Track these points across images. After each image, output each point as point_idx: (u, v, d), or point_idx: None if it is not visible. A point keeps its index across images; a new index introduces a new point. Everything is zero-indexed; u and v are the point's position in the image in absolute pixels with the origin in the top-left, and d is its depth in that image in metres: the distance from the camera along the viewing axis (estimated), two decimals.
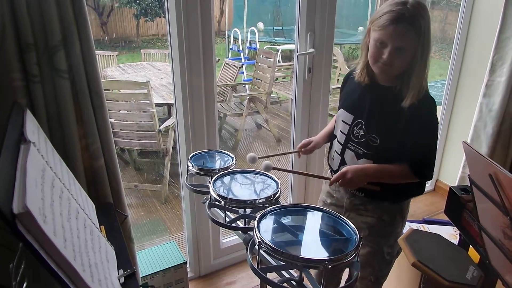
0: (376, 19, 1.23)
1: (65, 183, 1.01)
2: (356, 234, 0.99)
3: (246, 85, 5.58)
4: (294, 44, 2.23)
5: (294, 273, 1.00)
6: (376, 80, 1.34)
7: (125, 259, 1.10)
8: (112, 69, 4.81)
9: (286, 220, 1.08)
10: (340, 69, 4.84)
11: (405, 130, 1.26)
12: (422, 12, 1.18)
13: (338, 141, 1.44)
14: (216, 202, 1.18)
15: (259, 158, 1.26)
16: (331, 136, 1.52)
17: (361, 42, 1.34)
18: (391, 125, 1.29)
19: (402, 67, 1.24)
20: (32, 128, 1.03)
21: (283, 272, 1.01)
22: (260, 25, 8.15)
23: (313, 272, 1.06)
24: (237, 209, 1.21)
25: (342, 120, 1.41)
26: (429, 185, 3.18)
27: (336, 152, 1.45)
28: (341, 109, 1.43)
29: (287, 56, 7.62)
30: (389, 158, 1.30)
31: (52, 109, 1.34)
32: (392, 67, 1.24)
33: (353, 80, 1.41)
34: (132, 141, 3.17)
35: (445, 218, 1.66)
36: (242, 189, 1.27)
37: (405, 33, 1.18)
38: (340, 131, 1.42)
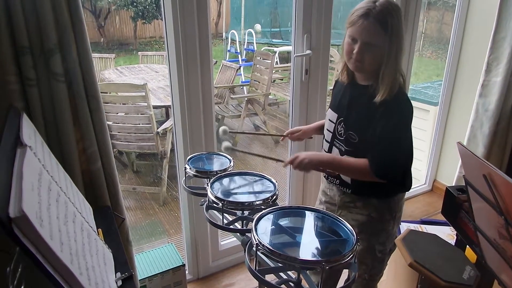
0: (349, 17, 1.28)
1: (62, 186, 1.01)
2: (353, 235, 1.00)
3: (244, 87, 5.58)
4: (291, 45, 2.23)
5: (292, 274, 1.00)
6: (355, 79, 1.38)
7: (123, 262, 1.10)
8: (110, 72, 4.81)
9: (283, 222, 1.08)
10: (337, 70, 4.83)
11: (376, 128, 1.28)
12: (391, 10, 1.22)
13: (325, 139, 1.48)
14: (214, 204, 1.19)
15: (230, 132, 1.30)
16: (320, 130, 1.57)
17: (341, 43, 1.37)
18: (366, 123, 1.31)
19: (373, 64, 1.27)
20: (29, 131, 1.03)
21: (281, 274, 1.02)
22: (258, 26, 8.16)
23: (311, 273, 1.06)
24: (234, 211, 1.21)
25: (329, 119, 1.45)
26: (426, 185, 3.19)
27: (324, 150, 1.49)
28: (329, 109, 1.47)
29: (285, 57, 7.63)
30: (367, 154, 1.31)
31: (49, 113, 1.34)
32: (363, 63, 1.27)
33: (339, 81, 1.47)
34: (130, 143, 3.17)
35: (442, 218, 1.67)
36: (240, 191, 1.27)
37: (371, 29, 1.22)
38: (327, 129, 1.46)
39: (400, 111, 1.28)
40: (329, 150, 1.45)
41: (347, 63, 1.34)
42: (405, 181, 1.39)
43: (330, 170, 1.40)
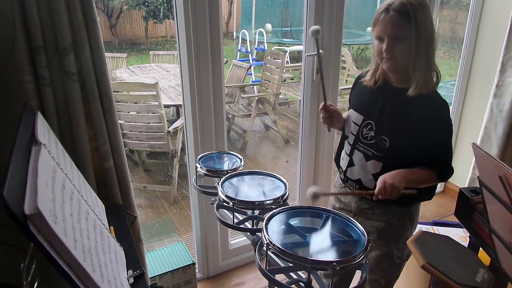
0: (372, 19, 1.26)
1: (75, 184, 1.02)
2: (364, 236, 0.99)
3: (254, 86, 5.58)
4: (302, 45, 2.23)
5: (302, 274, 1.00)
6: (389, 81, 1.34)
7: (134, 260, 1.11)
8: (122, 71, 4.85)
9: (294, 222, 1.07)
10: (348, 70, 4.82)
11: (418, 134, 1.25)
12: (412, 2, 1.19)
13: (348, 141, 1.43)
14: (225, 203, 1.19)
15: (322, 195, 1.24)
16: (342, 125, 1.47)
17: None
18: (401, 128, 1.28)
19: (405, 58, 1.23)
20: (43, 130, 1.04)
21: (291, 274, 1.01)
22: (268, 26, 8.16)
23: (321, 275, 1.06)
24: (245, 210, 1.21)
25: (352, 121, 1.40)
26: (438, 187, 3.14)
27: (346, 152, 1.44)
28: (351, 110, 1.42)
29: (295, 57, 7.61)
30: (398, 160, 1.28)
31: (62, 111, 1.36)
32: (395, 60, 1.24)
33: (363, 83, 1.41)
34: (141, 142, 3.19)
35: (455, 220, 1.65)
36: (251, 190, 1.27)
37: (393, 21, 1.20)
38: (350, 132, 1.41)
39: (444, 115, 1.28)
40: (351, 154, 1.41)
41: (381, 65, 1.30)
42: (434, 188, 1.39)
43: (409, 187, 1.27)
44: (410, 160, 1.28)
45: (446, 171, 1.31)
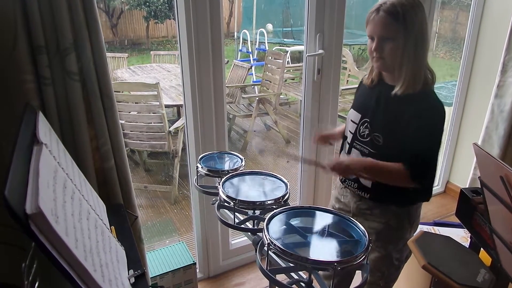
0: (366, 18, 1.28)
1: (77, 184, 1.02)
2: (365, 236, 0.99)
3: (255, 87, 5.58)
4: (303, 45, 2.23)
5: (303, 274, 1.00)
6: (384, 79, 1.36)
7: (135, 260, 1.11)
8: (122, 71, 4.85)
9: (295, 222, 1.07)
10: (349, 70, 4.82)
11: (406, 131, 1.25)
12: (403, 2, 1.20)
13: (347, 140, 1.45)
14: (225, 204, 1.19)
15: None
16: (342, 135, 1.53)
17: None
18: (393, 124, 1.28)
19: (394, 58, 1.24)
20: (44, 129, 1.04)
21: (292, 274, 1.01)
22: (269, 26, 8.16)
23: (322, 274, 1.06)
24: (246, 210, 1.21)
25: (351, 120, 1.42)
26: (439, 187, 3.15)
27: (345, 151, 1.46)
28: (351, 109, 1.45)
29: (296, 57, 7.61)
30: (392, 158, 1.26)
31: (64, 111, 1.36)
32: (384, 59, 1.26)
33: (363, 83, 1.44)
34: (142, 142, 3.19)
35: (456, 220, 1.64)
36: (251, 190, 1.27)
37: (382, 21, 1.21)
38: (349, 130, 1.43)
39: (433, 116, 1.25)
40: (349, 152, 1.42)
41: (372, 64, 1.32)
42: (430, 189, 1.37)
43: (368, 176, 1.32)
44: (402, 157, 1.26)
45: (420, 175, 1.24)
